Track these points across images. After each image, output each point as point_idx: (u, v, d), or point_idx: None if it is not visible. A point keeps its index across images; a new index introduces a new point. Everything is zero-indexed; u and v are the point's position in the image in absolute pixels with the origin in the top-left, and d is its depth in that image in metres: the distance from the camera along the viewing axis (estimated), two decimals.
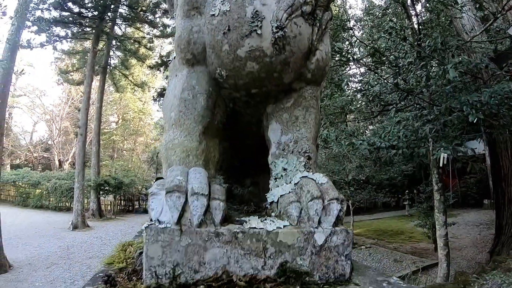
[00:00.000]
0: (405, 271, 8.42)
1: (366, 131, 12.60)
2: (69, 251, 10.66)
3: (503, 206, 9.93)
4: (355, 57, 7.67)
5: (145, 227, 0.94)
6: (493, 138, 9.29)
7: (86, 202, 16.73)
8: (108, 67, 19.97)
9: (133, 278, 0.95)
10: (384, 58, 6.69)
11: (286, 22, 1.10)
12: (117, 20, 18.21)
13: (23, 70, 8.26)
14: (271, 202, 1.17)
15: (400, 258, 9.70)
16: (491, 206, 15.00)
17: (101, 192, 19.14)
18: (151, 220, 0.96)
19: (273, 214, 1.14)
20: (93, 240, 12.60)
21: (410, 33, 6.71)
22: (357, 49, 10.04)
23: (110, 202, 20.94)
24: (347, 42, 7.70)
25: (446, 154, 4.48)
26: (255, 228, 1.02)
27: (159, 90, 20.68)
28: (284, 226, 1.06)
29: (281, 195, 1.16)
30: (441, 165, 5.21)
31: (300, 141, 1.28)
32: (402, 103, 5.82)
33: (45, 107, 32.75)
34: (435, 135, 4.86)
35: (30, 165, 30.68)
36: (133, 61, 22.90)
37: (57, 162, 31.74)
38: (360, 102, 9.45)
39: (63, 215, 18.86)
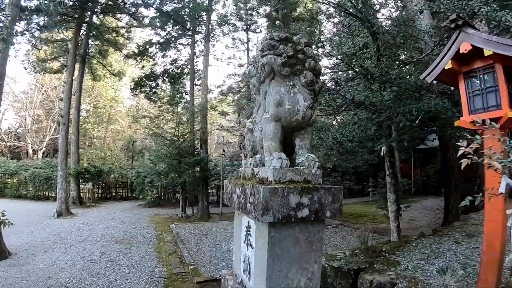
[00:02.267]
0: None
1: (334, 122, 14.97)
2: (61, 237, 11.97)
3: (451, 192, 12.40)
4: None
5: (273, 167, 3.14)
6: (442, 134, 11.42)
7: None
8: (87, 56, 21.50)
9: (264, 183, 3.36)
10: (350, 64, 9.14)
11: (306, 111, 3.30)
12: (96, 9, 19.62)
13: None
14: (298, 163, 3.49)
15: (362, 235, 11.21)
16: None
17: (80, 180, 20.95)
18: (274, 166, 3.18)
19: (300, 165, 3.47)
20: (80, 226, 14.19)
21: (374, 50, 9.03)
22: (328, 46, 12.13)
23: (89, 189, 22.70)
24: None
25: (384, 147, 7.24)
26: (297, 168, 3.29)
27: (136, 79, 22.48)
28: (304, 168, 3.31)
29: (301, 160, 3.39)
30: (382, 154, 7.93)
31: (306, 144, 3.55)
32: (358, 109, 8.44)
33: (15, 94, 33.61)
34: (378, 134, 7.61)
35: None
36: (110, 50, 24.38)
37: (30, 151, 32.73)
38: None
39: (43, 204, 20.54)
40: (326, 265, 6.14)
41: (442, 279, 4.79)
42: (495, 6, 6.85)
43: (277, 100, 3.40)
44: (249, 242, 3.69)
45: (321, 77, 4.23)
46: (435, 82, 5.16)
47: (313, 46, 10.57)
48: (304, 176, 3.37)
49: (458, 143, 3.06)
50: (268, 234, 3.11)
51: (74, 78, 18.77)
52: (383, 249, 7.40)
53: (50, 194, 22.86)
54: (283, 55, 3.35)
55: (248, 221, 3.74)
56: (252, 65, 3.76)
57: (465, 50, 4.24)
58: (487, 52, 4.03)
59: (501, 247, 3.98)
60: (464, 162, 3.01)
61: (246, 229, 3.81)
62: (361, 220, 15.46)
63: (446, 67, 4.53)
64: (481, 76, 4.39)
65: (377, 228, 13.32)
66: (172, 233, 13.41)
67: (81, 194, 21.75)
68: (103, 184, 25.09)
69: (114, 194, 25.60)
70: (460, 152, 3.01)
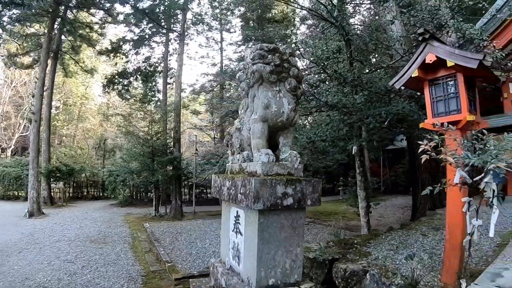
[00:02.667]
0: None
1: (306, 122, 15.49)
2: (34, 237, 11.84)
3: (418, 190, 12.92)
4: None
5: (261, 162, 3.60)
6: (410, 135, 12.42)
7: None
8: (59, 51, 21.20)
9: (254, 176, 3.81)
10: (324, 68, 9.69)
11: (289, 113, 3.84)
12: (70, 4, 19.39)
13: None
14: (282, 158, 3.97)
15: (334, 231, 11.42)
16: None
17: (51, 179, 20.82)
18: (262, 161, 3.65)
19: (283, 161, 4.00)
20: (53, 226, 14.09)
21: (348, 55, 9.55)
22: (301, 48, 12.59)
23: (59, 189, 22.38)
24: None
25: (355, 147, 7.91)
26: (282, 162, 3.80)
27: (109, 76, 22.42)
28: (288, 163, 3.84)
29: (285, 156, 3.90)
30: (353, 153, 8.59)
31: (289, 142, 4.07)
32: (330, 111, 9.08)
33: None
34: (349, 134, 8.28)
35: None
36: (83, 46, 24.18)
37: None
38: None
39: (13, 204, 20.24)
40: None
41: (410, 264, 5.38)
42: (460, 19, 7.56)
43: (265, 103, 3.90)
44: (238, 230, 4.16)
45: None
46: (403, 88, 5.79)
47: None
48: (288, 169, 3.88)
49: (419, 142, 3.64)
50: (258, 220, 3.60)
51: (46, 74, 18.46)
52: (355, 242, 8.03)
53: (20, 194, 22.56)
54: (271, 64, 3.86)
55: (237, 211, 4.19)
56: (242, 71, 4.24)
57: (430, 60, 4.87)
58: (449, 63, 4.66)
59: (462, 233, 4.52)
60: (424, 157, 3.60)
61: (234, 219, 4.27)
62: (332, 218, 15.99)
63: (413, 75, 5.16)
64: (444, 83, 5.05)
65: (347, 225, 13.92)
66: (146, 232, 13.58)
67: (52, 193, 21.54)
68: (74, 184, 24.89)
69: (85, 193, 25.45)
70: (420, 149, 3.60)
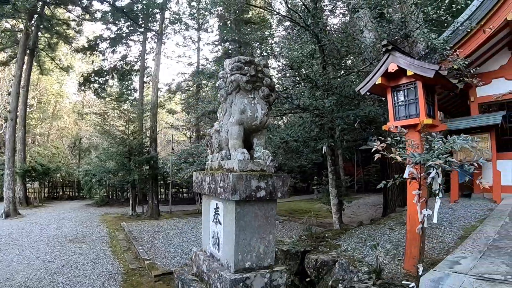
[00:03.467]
0: None
1: (280, 122, 15.95)
2: (12, 238, 11.89)
3: (389, 188, 14.03)
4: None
5: (238, 160, 4.14)
6: (379, 135, 13.17)
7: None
8: (36, 48, 21.05)
9: (232, 172, 4.36)
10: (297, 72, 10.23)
11: (262, 117, 4.43)
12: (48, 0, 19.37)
13: None
14: (256, 157, 4.49)
15: (306, 228, 11.69)
16: None
17: (27, 179, 20.78)
18: (239, 159, 4.19)
19: (257, 159, 4.55)
20: (31, 227, 14.11)
21: (320, 61, 10.06)
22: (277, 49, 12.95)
23: (35, 189, 22.44)
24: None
25: (325, 146, 8.61)
26: (256, 160, 4.38)
27: (85, 75, 22.49)
28: (261, 161, 4.41)
29: (258, 155, 4.47)
30: (323, 152, 9.26)
31: (262, 142, 4.66)
32: (303, 113, 9.72)
33: None
34: (320, 135, 8.97)
35: None
36: (60, 43, 24.19)
37: None
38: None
39: None
40: (276, 249, 7.14)
41: (375, 253, 6.02)
42: (426, 30, 8.27)
43: (241, 109, 4.49)
44: (217, 220, 4.74)
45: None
46: (368, 93, 6.44)
47: (263, 47, 11.79)
48: (261, 166, 4.50)
49: (373, 143, 4.30)
50: (235, 210, 4.19)
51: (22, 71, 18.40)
52: (326, 235, 8.61)
53: None
54: (247, 75, 4.47)
55: (216, 203, 4.77)
56: (221, 80, 4.83)
57: (392, 69, 5.53)
58: (409, 73, 5.34)
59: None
60: (376, 156, 4.25)
61: (214, 210, 4.85)
62: (306, 215, 16.46)
63: (377, 82, 5.81)
64: (405, 90, 5.74)
65: (321, 222, 14.56)
66: (124, 231, 13.87)
67: (27, 193, 21.47)
68: (49, 184, 24.91)
69: (61, 193, 25.53)
70: (373, 149, 4.24)
